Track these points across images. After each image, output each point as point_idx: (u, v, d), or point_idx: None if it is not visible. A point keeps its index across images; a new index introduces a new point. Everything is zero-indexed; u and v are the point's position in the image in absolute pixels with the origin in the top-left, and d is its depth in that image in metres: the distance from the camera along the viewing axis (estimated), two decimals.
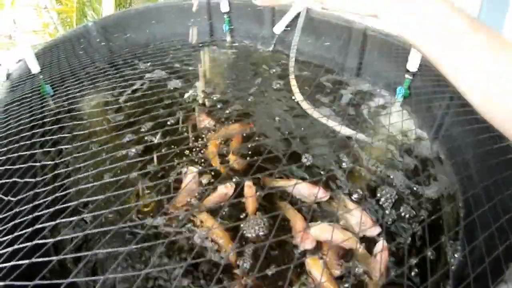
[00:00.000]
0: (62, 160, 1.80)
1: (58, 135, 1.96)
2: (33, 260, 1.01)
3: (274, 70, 3.06)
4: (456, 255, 1.63)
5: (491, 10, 2.08)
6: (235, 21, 3.48)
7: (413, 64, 2.27)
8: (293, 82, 2.67)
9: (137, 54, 3.15)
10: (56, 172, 1.66)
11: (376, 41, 2.62)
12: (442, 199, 1.90)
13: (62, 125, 2.12)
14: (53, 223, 1.23)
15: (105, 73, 2.69)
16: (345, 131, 2.24)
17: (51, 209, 1.28)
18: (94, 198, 1.42)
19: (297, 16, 3.02)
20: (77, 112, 2.26)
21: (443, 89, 2.08)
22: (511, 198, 1.45)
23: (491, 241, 1.34)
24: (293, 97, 2.56)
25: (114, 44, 3.16)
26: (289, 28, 3.13)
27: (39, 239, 1.08)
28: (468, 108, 1.87)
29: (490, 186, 1.54)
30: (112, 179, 1.44)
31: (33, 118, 1.95)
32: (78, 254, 1.59)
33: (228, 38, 3.57)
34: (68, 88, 2.33)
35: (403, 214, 1.79)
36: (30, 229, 1.14)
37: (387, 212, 1.80)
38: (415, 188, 1.93)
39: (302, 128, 2.38)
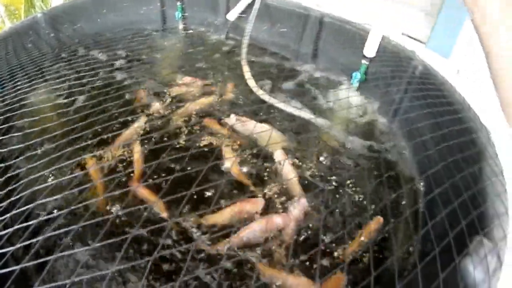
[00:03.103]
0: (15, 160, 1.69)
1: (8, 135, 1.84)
2: None
3: (226, 58, 3.01)
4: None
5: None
6: (188, 8, 3.38)
7: (370, 50, 2.31)
8: (245, 68, 2.64)
9: (88, 44, 2.99)
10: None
11: (332, 27, 2.62)
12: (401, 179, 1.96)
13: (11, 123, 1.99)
14: (11, 229, 1.13)
15: (56, 66, 2.55)
16: (303, 114, 2.25)
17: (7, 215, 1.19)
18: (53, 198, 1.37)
19: (252, 3, 2.97)
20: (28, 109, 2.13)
21: (401, 73, 2.14)
22: (471, 176, 1.51)
23: (454, 217, 1.39)
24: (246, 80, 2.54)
25: (64, 35, 2.98)
26: (244, 15, 3.07)
27: None
28: (427, 92, 1.98)
29: (450, 165, 1.60)
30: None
31: None
32: (41, 260, 1.49)
33: (181, 26, 3.47)
34: (17, 84, 2.18)
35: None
36: None
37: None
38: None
39: None
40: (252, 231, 1.57)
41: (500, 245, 1.23)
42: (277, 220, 1.60)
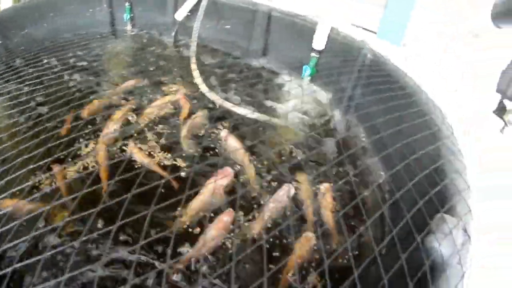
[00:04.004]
0: None
1: None
2: None
3: (174, 59, 2.86)
4: None
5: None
6: (136, 9, 3.20)
7: (319, 43, 2.23)
8: (195, 71, 2.47)
9: (36, 51, 2.64)
10: None
11: (281, 22, 2.52)
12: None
13: None
14: None
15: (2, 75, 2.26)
16: (253, 115, 2.10)
17: None
18: None
19: (199, 1, 2.83)
20: None
21: (352, 63, 2.07)
22: (427, 157, 1.44)
23: (410, 197, 1.30)
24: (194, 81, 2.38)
25: (12, 41, 2.68)
26: (192, 14, 2.91)
27: None
28: (378, 79, 1.92)
29: (404, 147, 1.51)
30: None
31: None
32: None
33: (129, 27, 3.26)
34: None
35: None
36: None
37: None
38: None
39: None
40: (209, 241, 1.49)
41: (465, 219, 1.15)
42: (225, 218, 1.55)
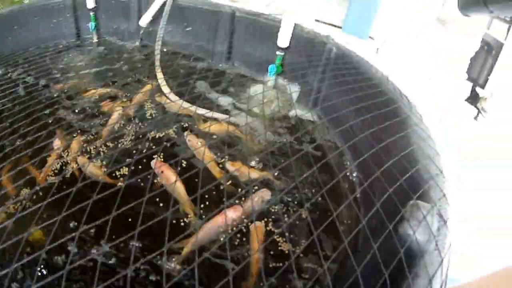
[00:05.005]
0: None
1: None
2: None
3: (140, 66, 2.69)
4: None
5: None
6: (100, 18, 3.03)
7: (283, 40, 2.12)
8: (159, 73, 2.35)
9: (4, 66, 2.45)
10: None
11: (244, 22, 2.42)
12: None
13: None
14: None
15: None
16: (212, 115, 1.97)
17: None
18: None
19: (163, 6, 2.70)
20: None
21: (317, 58, 1.97)
22: (397, 145, 1.31)
23: (382, 187, 1.18)
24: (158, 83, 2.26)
25: None
26: (156, 19, 2.77)
27: None
28: (344, 71, 1.80)
29: (370, 136, 1.38)
30: None
31: None
32: None
33: (95, 37, 3.09)
34: None
35: None
36: None
37: None
38: None
39: None
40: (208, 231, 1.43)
41: (439, 204, 1.02)
42: (230, 214, 1.48)
